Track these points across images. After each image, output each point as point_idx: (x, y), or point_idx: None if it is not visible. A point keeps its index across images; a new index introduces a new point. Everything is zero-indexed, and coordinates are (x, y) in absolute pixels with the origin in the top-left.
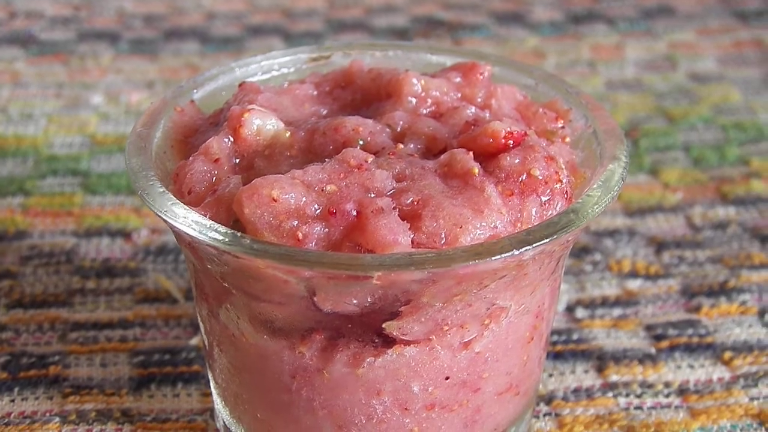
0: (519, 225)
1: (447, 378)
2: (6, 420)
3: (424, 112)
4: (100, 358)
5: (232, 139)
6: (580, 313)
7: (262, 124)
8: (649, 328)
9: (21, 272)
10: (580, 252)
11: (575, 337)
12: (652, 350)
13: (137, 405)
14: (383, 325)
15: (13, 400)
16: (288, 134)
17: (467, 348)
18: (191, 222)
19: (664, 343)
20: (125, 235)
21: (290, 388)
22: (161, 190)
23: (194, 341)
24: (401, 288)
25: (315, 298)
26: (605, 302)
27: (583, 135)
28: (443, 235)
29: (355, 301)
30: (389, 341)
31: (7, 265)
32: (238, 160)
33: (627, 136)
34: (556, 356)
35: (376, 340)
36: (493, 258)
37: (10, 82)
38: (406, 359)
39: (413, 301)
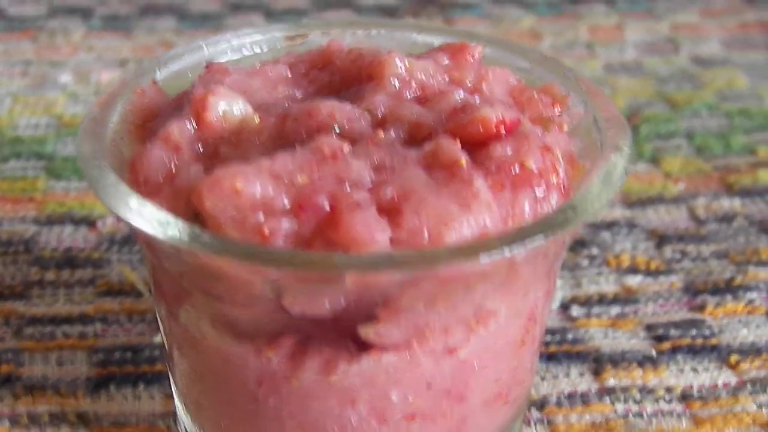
0: (510, 222)
1: (429, 387)
2: None
3: (409, 96)
4: (57, 356)
5: (195, 124)
6: (576, 311)
7: (228, 108)
8: (649, 328)
9: None
10: (575, 245)
11: (570, 337)
12: (653, 352)
13: (94, 408)
14: (359, 329)
15: None
16: (257, 119)
17: (452, 354)
18: (146, 216)
19: (666, 345)
20: (90, 223)
21: (256, 396)
22: (114, 180)
23: (158, 338)
24: (378, 290)
25: (283, 301)
26: (603, 300)
27: (582, 123)
28: (426, 233)
29: (327, 305)
30: (365, 346)
31: None
32: (201, 149)
33: (626, 121)
34: (549, 358)
35: (351, 345)
36: (481, 259)
37: None
38: (384, 366)
39: (392, 305)
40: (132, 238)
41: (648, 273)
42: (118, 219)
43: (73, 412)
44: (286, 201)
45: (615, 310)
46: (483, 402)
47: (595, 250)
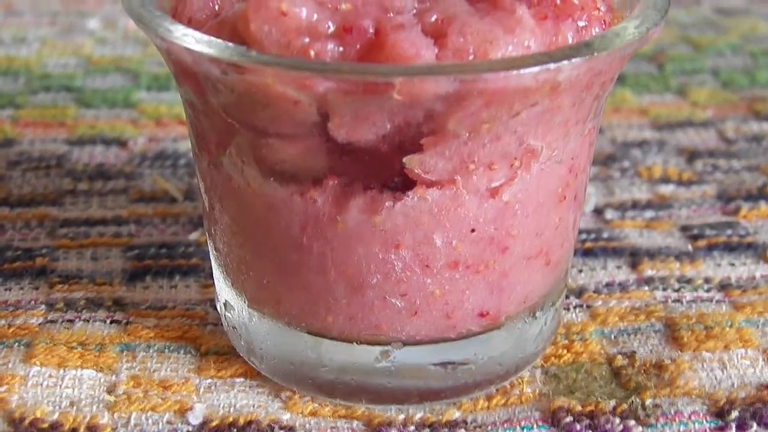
0: (554, 48)
1: (473, 230)
2: None
3: None
4: (91, 252)
5: None
6: (610, 214)
7: None
8: (684, 228)
9: (8, 175)
10: (606, 159)
11: (605, 235)
12: (689, 248)
13: (131, 294)
14: (404, 160)
15: None
16: None
17: (495, 196)
18: (195, 39)
19: (702, 242)
20: (121, 143)
21: (300, 243)
22: (160, 14)
23: (194, 236)
24: (424, 108)
25: (329, 124)
26: (636, 205)
27: None
28: (471, 51)
29: (373, 129)
30: (410, 184)
31: None
32: None
33: (651, 60)
34: (585, 253)
35: (396, 181)
36: (526, 69)
37: (2, 11)
38: (428, 204)
39: (437, 131)
40: (164, 153)
41: (680, 183)
42: (166, 51)
43: (109, 297)
44: (330, 25)
45: (649, 213)
46: (525, 257)
47: (626, 164)
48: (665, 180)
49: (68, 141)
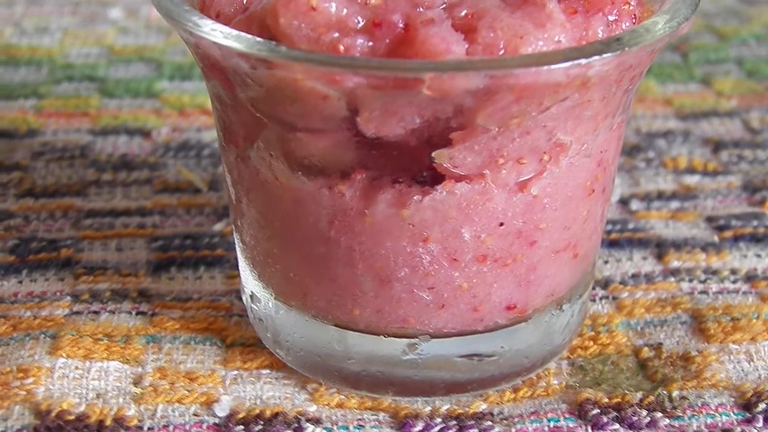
0: (584, 43)
1: (501, 224)
2: (13, 299)
3: None
4: (116, 243)
5: None
6: (635, 205)
7: None
8: (710, 219)
9: (32, 166)
10: (631, 150)
11: (631, 226)
12: (715, 239)
13: (156, 286)
14: (433, 154)
15: (21, 282)
16: None
17: (523, 190)
18: (221, 34)
19: (728, 233)
20: (144, 133)
21: (328, 237)
22: (188, 8)
23: (218, 226)
24: (454, 103)
25: (358, 119)
26: (662, 196)
27: None
28: (502, 46)
29: (402, 123)
30: (438, 178)
31: (17, 159)
32: None
33: (675, 49)
34: (610, 244)
35: (425, 175)
36: (557, 65)
37: (25, 0)
38: (457, 198)
39: (467, 126)
40: (188, 144)
41: (706, 173)
42: (195, 46)
43: (134, 289)
44: (360, 20)
45: (675, 204)
46: (553, 250)
47: (651, 154)
48: (690, 170)
49: (92, 131)
